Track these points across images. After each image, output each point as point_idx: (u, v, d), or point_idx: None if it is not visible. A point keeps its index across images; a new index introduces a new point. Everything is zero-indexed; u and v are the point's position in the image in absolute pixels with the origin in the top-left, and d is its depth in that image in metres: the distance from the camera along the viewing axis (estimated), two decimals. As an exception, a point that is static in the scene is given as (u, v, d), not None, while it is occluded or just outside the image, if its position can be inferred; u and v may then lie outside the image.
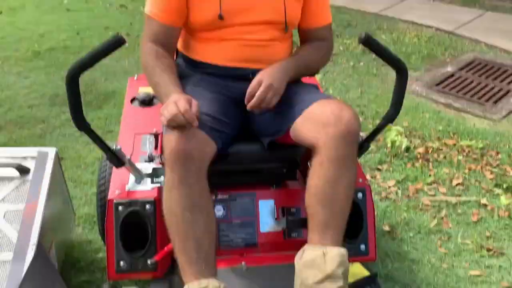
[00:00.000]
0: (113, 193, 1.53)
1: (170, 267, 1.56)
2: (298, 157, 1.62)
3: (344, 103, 1.39)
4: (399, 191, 2.63)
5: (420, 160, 2.87)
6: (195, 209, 1.33)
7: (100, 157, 2.94)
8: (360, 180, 1.62)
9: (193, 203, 1.33)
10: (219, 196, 1.65)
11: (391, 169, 2.81)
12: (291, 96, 1.50)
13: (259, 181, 1.69)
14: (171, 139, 1.30)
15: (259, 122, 1.57)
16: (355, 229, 1.59)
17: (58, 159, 1.97)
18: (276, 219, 1.66)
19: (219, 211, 1.66)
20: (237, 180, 1.67)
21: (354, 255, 1.58)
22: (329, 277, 1.33)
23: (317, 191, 1.37)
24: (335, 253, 1.34)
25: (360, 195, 1.59)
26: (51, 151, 1.87)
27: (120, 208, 1.49)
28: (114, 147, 1.49)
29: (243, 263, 1.61)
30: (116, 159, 1.48)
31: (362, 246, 1.58)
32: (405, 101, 1.52)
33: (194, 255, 1.33)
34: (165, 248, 1.45)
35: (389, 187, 2.67)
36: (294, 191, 1.68)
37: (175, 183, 1.32)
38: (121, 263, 1.49)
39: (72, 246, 2.20)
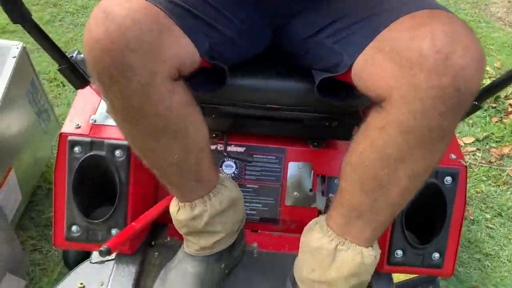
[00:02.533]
0: (70, 125, 1.01)
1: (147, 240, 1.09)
2: (360, 106, 1.02)
3: (464, 27, 0.68)
4: (478, 154, 2.00)
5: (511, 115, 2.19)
6: (162, 135, 0.81)
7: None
8: (453, 156, 1.03)
9: (157, 129, 0.80)
10: (232, 148, 1.11)
11: (470, 121, 2.16)
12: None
13: (292, 134, 1.13)
14: (92, 21, 0.70)
15: (304, 42, 0.94)
16: (429, 228, 1.04)
17: (28, 59, 1.45)
18: (310, 190, 1.12)
19: (229, 168, 1.13)
20: (258, 128, 1.11)
21: (420, 265, 1.04)
22: (328, 285, 0.87)
23: (361, 166, 0.77)
24: (351, 257, 0.84)
25: (448, 179, 1.01)
26: (15, 47, 1.35)
27: (76, 149, 0.98)
28: (75, 55, 0.95)
29: (254, 244, 1.12)
30: (77, 74, 0.94)
31: (436, 255, 1.04)
32: (500, 34, 0.87)
33: (177, 181, 0.90)
34: (127, 230, 0.95)
35: (465, 144, 2.05)
36: (342, 155, 1.12)
37: (115, 107, 0.78)
38: (73, 228, 1.02)
39: (51, 169, 1.76)
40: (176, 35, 0.74)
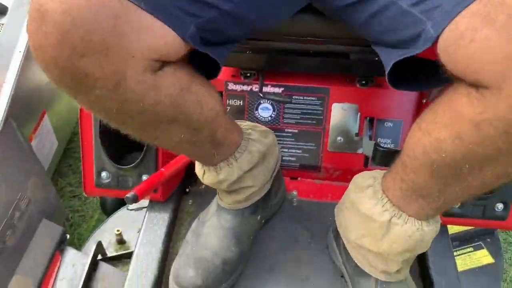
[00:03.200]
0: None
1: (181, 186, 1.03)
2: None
3: None
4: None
5: None
6: (159, 125, 0.67)
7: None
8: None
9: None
10: (268, 89, 1.01)
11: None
12: None
13: (336, 71, 1.01)
14: (28, 23, 0.54)
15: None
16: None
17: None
18: (356, 134, 1.02)
19: (265, 111, 1.03)
20: (298, 66, 1.00)
21: (480, 216, 0.93)
22: (379, 256, 0.78)
23: (436, 153, 0.60)
24: (408, 233, 0.72)
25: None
26: None
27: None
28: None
29: (294, 192, 1.04)
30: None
31: (499, 206, 0.92)
32: None
33: (194, 153, 0.80)
34: (155, 176, 0.89)
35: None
36: (395, 95, 0.99)
37: (93, 112, 0.65)
38: (103, 174, 0.97)
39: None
40: (142, 20, 0.54)
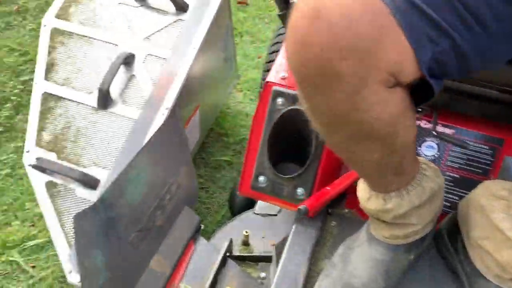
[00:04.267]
0: (276, 75, 0.98)
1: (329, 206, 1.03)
2: None
3: None
4: None
5: None
6: (365, 140, 0.70)
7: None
8: None
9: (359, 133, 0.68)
10: (438, 128, 0.98)
11: None
12: None
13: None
14: (298, 19, 0.57)
15: None
16: None
17: (229, 3, 1.47)
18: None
19: (429, 149, 1.01)
20: (475, 110, 0.96)
21: None
22: (497, 262, 0.79)
23: None
24: None
25: None
26: (220, -12, 1.36)
27: (279, 100, 0.95)
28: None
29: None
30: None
31: None
32: None
33: (374, 175, 0.80)
34: (322, 193, 0.90)
35: None
36: None
37: (314, 113, 0.68)
38: (261, 178, 1.00)
39: (225, 114, 1.81)
40: (397, 37, 0.57)
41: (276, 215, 1.39)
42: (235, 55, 1.70)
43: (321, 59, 0.56)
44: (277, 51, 1.46)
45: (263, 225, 1.36)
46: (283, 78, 0.96)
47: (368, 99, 0.59)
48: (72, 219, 1.10)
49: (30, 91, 1.84)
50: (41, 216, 1.44)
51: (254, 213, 1.40)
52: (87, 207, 1.00)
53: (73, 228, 1.07)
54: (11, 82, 1.86)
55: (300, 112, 0.94)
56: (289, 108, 0.94)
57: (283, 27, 1.50)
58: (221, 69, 1.60)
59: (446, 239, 0.90)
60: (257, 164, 0.99)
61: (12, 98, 1.79)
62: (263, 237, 1.34)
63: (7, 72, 1.90)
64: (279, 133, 0.97)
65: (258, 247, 1.32)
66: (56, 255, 1.35)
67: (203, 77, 1.41)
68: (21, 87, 1.84)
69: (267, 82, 0.96)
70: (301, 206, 0.82)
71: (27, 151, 1.16)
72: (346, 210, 1.07)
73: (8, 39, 2.06)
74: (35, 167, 1.12)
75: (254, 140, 0.99)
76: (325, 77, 0.58)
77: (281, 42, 1.47)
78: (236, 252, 1.28)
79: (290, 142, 1.00)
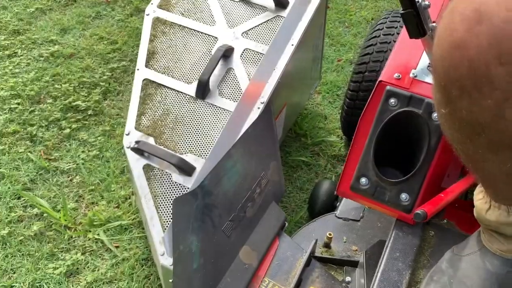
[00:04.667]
0: (389, 75, 0.95)
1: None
2: None
3: None
4: None
5: None
6: (505, 149, 0.65)
7: (371, 18, 2.36)
8: None
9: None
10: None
11: None
12: None
13: None
14: (458, 20, 0.56)
15: None
16: None
17: (326, 3, 1.46)
18: None
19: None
20: None
21: None
22: None
23: None
24: None
25: None
26: (321, -13, 1.35)
27: (392, 100, 0.92)
28: (420, 1, 0.87)
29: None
30: (418, 22, 0.87)
31: None
32: None
33: (501, 186, 0.74)
34: (439, 199, 0.86)
35: None
36: None
37: (452, 118, 0.65)
38: (363, 180, 0.98)
39: (303, 115, 1.80)
40: None
41: (358, 220, 1.37)
42: (322, 56, 1.69)
43: (477, 63, 0.54)
44: (371, 53, 1.44)
45: (344, 229, 1.34)
46: (398, 79, 0.94)
47: None
48: (167, 203, 1.12)
49: (117, 79, 1.92)
50: (125, 198, 1.49)
51: (336, 216, 1.38)
52: (186, 192, 1.02)
53: (170, 211, 1.10)
54: (100, 69, 1.93)
55: (413, 115, 0.92)
56: (402, 109, 0.92)
57: (377, 29, 1.48)
58: (309, 68, 1.59)
59: None
60: (360, 165, 0.97)
61: (101, 83, 1.86)
62: (344, 241, 1.32)
63: (96, 59, 1.98)
64: (386, 134, 0.95)
65: (339, 251, 1.30)
66: (139, 237, 1.39)
67: (294, 75, 1.41)
68: (109, 74, 1.92)
69: (380, 81, 0.94)
70: (419, 211, 0.79)
71: (127, 134, 1.19)
72: (445, 221, 1.04)
73: (98, 28, 2.15)
74: (134, 149, 1.15)
75: (359, 140, 0.97)
76: (477, 81, 0.55)
77: (375, 45, 1.44)
78: (317, 254, 1.27)
79: (394, 146, 0.98)
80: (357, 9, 2.43)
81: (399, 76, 0.94)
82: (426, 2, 0.88)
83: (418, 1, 0.88)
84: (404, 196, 0.94)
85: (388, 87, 0.93)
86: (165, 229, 1.09)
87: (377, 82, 0.95)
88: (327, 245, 1.29)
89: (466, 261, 0.86)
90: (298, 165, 1.65)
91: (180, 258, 1.00)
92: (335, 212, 1.37)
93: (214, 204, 1.05)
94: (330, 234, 1.26)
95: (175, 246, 1.00)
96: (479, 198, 0.82)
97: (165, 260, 1.06)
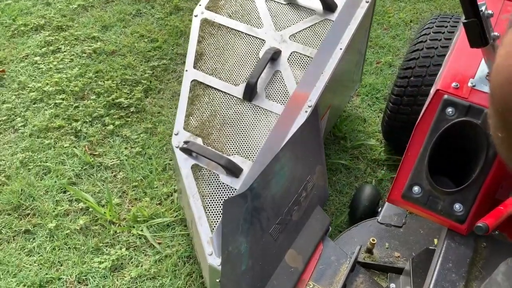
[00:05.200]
0: (447, 84, 0.94)
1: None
2: None
3: None
4: None
5: None
6: None
7: (409, 20, 2.33)
8: None
9: None
10: None
11: None
12: None
13: None
14: None
15: None
16: None
17: (373, 7, 1.45)
18: None
19: None
20: None
21: None
22: None
23: None
24: None
25: None
26: (370, -9, 1.34)
27: (450, 110, 0.92)
28: (484, 10, 0.86)
29: None
30: (481, 31, 0.85)
31: None
32: None
33: None
34: (499, 212, 0.85)
35: None
36: None
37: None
38: (415, 188, 0.97)
39: (343, 118, 1.80)
40: None
41: (400, 227, 1.36)
42: (364, 59, 1.68)
43: None
44: (417, 58, 1.42)
45: (386, 235, 1.34)
46: (456, 88, 0.93)
47: None
48: (215, 203, 1.14)
49: (158, 76, 1.94)
50: (167, 195, 1.51)
51: (378, 222, 1.37)
52: (237, 194, 1.03)
53: (218, 211, 1.12)
54: (142, 67, 1.96)
55: (471, 125, 0.91)
56: (460, 119, 0.91)
57: (424, 34, 1.46)
58: (352, 72, 1.58)
59: None
60: (413, 173, 0.97)
61: (143, 81, 1.89)
62: (387, 248, 1.32)
63: (137, 56, 2.02)
64: (441, 144, 0.94)
65: (382, 257, 1.30)
66: (181, 235, 1.41)
67: (338, 79, 1.41)
68: (150, 72, 1.94)
69: (438, 90, 0.93)
70: (481, 223, 0.79)
71: (176, 134, 1.21)
72: (497, 233, 1.02)
73: (138, 25, 2.18)
74: (183, 149, 1.17)
75: (414, 148, 0.96)
76: None
77: (421, 50, 1.43)
78: (359, 259, 1.27)
79: (448, 155, 0.97)
80: (395, 11, 2.40)
81: (457, 85, 0.93)
82: (490, 11, 0.87)
83: (482, 10, 0.87)
84: (458, 206, 0.94)
85: (445, 96, 0.92)
86: (213, 229, 1.10)
87: (434, 91, 0.94)
88: (369, 251, 1.29)
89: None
90: (338, 168, 1.64)
91: (229, 259, 1.02)
92: (377, 217, 1.36)
93: (262, 207, 1.06)
94: (373, 240, 1.26)
95: (224, 247, 1.01)
96: None
97: (213, 260, 1.07)
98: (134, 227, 1.42)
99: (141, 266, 1.34)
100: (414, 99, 1.42)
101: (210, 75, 1.29)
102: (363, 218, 1.38)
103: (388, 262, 1.26)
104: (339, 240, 1.31)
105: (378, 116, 1.82)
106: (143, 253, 1.37)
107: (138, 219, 1.44)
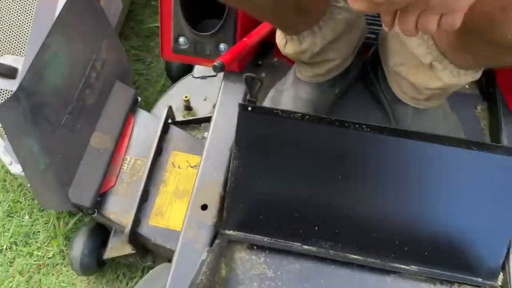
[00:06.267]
0: None
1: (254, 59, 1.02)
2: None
3: None
4: None
5: None
6: None
7: None
8: None
9: None
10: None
11: None
12: None
13: None
14: None
15: None
16: None
17: None
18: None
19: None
20: None
21: None
22: (411, 85, 0.84)
23: None
24: (445, 77, 0.80)
25: None
26: None
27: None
28: None
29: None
30: None
31: None
32: None
33: (277, 21, 0.79)
34: (239, 45, 0.86)
35: None
36: None
37: None
38: (181, 39, 0.96)
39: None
40: None
41: (215, 75, 1.37)
42: None
43: None
44: None
45: (204, 88, 1.35)
46: None
47: None
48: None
49: None
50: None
51: (193, 76, 1.37)
52: (7, 99, 0.96)
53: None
54: None
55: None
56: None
57: None
58: None
59: (370, 70, 0.92)
60: (174, 26, 0.94)
61: None
62: (204, 100, 1.34)
63: None
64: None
65: (202, 110, 1.33)
66: None
67: None
68: None
69: None
70: (216, 62, 0.79)
71: None
72: (276, 59, 1.06)
73: None
74: None
75: (166, 1, 0.92)
76: None
77: None
78: (179, 118, 1.29)
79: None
80: None
81: None
82: None
83: None
84: (222, 46, 0.94)
85: None
86: (4, 138, 1.05)
87: None
88: (187, 108, 1.31)
89: (285, 96, 0.91)
90: (154, 32, 1.57)
91: (25, 163, 0.99)
92: (192, 73, 1.36)
93: (43, 103, 1.00)
94: (186, 97, 1.27)
95: (16, 153, 0.98)
96: (277, 35, 0.83)
97: (14, 168, 1.04)
98: None
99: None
100: None
101: None
102: (180, 76, 1.37)
103: (207, 113, 1.29)
104: (157, 107, 1.31)
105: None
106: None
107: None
